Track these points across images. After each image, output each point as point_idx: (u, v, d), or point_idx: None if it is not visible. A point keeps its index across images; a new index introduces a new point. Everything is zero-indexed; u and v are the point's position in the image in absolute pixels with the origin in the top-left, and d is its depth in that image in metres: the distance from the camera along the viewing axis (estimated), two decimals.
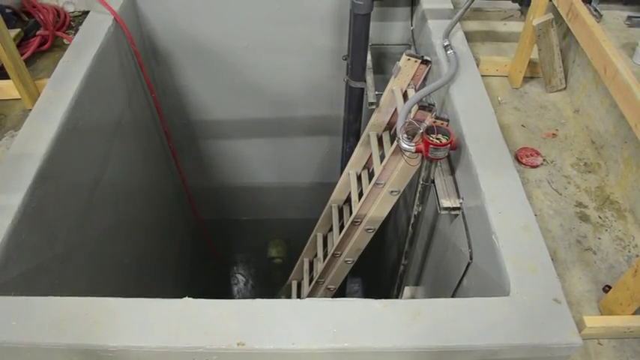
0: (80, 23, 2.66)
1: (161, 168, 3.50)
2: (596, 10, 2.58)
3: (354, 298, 1.50)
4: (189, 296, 1.46)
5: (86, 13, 2.73)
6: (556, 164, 2.10)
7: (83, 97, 2.21)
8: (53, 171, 1.94)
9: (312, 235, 3.27)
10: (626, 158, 1.95)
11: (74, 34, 2.59)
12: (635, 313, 1.56)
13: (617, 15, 2.64)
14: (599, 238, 1.84)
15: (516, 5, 2.67)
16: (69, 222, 2.11)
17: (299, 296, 3.40)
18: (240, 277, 5.11)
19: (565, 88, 2.45)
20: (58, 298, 1.49)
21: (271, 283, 4.32)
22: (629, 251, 1.81)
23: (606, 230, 1.87)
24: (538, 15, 2.22)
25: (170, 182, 3.68)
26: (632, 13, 2.63)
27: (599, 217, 1.91)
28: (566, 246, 1.81)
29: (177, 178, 3.71)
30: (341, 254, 2.72)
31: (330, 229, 3.10)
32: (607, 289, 1.68)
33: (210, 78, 3.33)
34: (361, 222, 2.50)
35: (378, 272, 4.16)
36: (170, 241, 3.75)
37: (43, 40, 2.73)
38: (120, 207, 2.70)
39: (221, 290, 4.99)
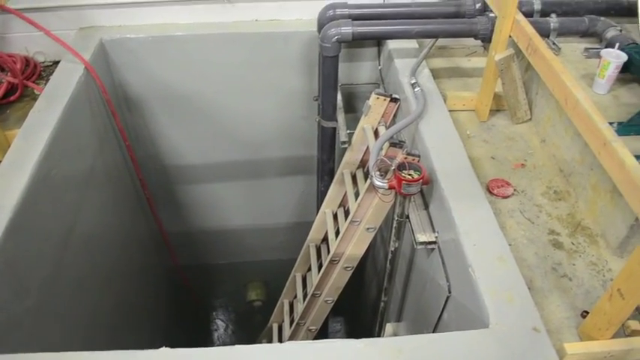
0: (51, 73, 2.67)
1: (136, 215, 3.46)
2: (554, 43, 2.68)
3: (335, 339, 1.49)
4: (166, 345, 1.43)
5: (57, 62, 2.74)
6: (527, 194, 2.14)
7: (54, 147, 2.20)
8: (24, 223, 1.91)
9: (291, 276, 3.25)
10: (594, 184, 2.00)
11: (45, 84, 2.59)
12: (614, 337, 1.57)
13: (574, 47, 2.74)
14: (574, 265, 1.87)
15: (479, 42, 2.75)
16: (40, 274, 2.06)
17: (280, 339, 3.35)
18: (220, 322, 5.02)
19: (530, 119, 2.51)
20: (29, 355, 1.44)
21: (252, 326, 4.25)
22: (604, 275, 1.83)
23: (580, 256, 1.90)
24: (499, 50, 2.29)
25: (145, 228, 3.64)
26: (588, 45, 2.74)
27: (572, 244, 1.94)
28: (542, 274, 1.83)
29: (152, 224, 3.67)
30: (321, 294, 2.70)
31: (309, 269, 3.08)
32: (585, 314, 1.69)
33: (184, 123, 3.34)
34: (339, 260, 2.50)
35: (360, 310, 4.13)
36: (147, 289, 3.67)
37: (10, 86, 2.70)
38: (94, 257, 2.65)
39: (201, 337, 4.88)
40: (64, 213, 2.35)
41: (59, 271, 2.23)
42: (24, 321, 1.91)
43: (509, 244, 1.84)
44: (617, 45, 2.45)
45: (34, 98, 2.54)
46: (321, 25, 2.61)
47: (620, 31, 2.68)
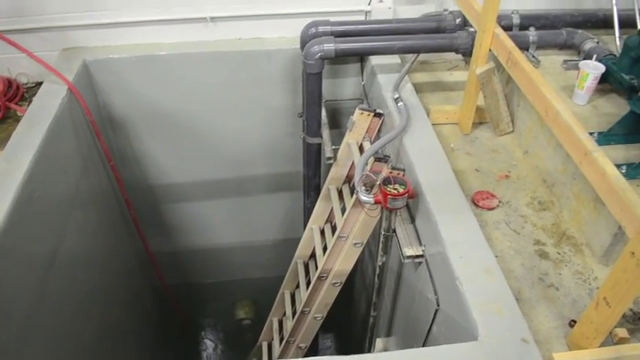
0: (34, 94, 2.65)
1: (121, 235, 3.43)
2: (533, 56, 2.73)
3: (325, 356, 1.48)
4: None
5: (40, 84, 2.73)
6: (512, 205, 2.16)
7: (37, 168, 2.18)
8: (7, 246, 1.88)
9: (279, 293, 3.23)
10: (577, 194, 2.02)
11: (28, 106, 2.57)
12: (602, 345, 1.58)
13: (554, 60, 2.79)
14: (560, 274, 1.88)
15: (460, 56, 2.79)
16: (25, 300, 2.03)
17: (270, 358, 3.31)
18: (209, 342, 4.96)
19: (513, 131, 2.54)
20: None
21: (241, 345, 4.21)
22: (590, 284, 1.85)
23: (566, 265, 1.91)
24: (480, 64, 2.32)
25: (131, 249, 3.60)
26: (567, 58, 2.79)
27: (558, 253, 1.96)
28: (529, 284, 1.84)
29: (138, 244, 3.64)
30: (310, 311, 2.68)
31: (298, 286, 3.07)
32: (573, 323, 1.70)
33: (169, 142, 3.34)
34: (327, 276, 2.49)
35: (349, 326, 4.11)
36: (133, 310, 3.63)
37: None
38: (79, 279, 2.62)
39: (190, 357, 4.82)
40: (48, 235, 2.33)
41: (43, 294, 2.20)
42: (9, 351, 1.87)
43: (496, 256, 1.85)
44: (595, 56, 2.50)
45: (17, 120, 2.52)
46: (303, 43, 2.64)
47: (597, 43, 2.74)
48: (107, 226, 3.17)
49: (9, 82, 2.87)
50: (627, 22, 2.80)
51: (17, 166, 2.12)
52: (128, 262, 3.56)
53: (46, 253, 2.29)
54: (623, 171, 2.01)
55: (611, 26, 2.83)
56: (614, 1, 2.83)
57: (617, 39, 2.78)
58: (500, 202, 2.15)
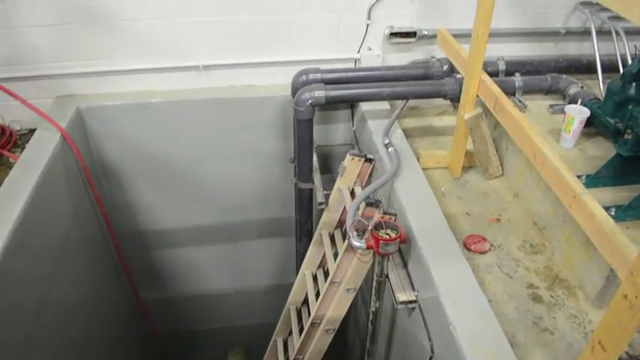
0: (27, 141, 2.67)
1: (111, 282, 3.39)
2: (520, 101, 2.78)
3: None
4: None
5: (33, 130, 2.75)
6: (503, 248, 2.16)
7: (29, 216, 2.17)
8: None
9: (271, 341, 3.17)
10: (568, 236, 2.03)
11: (20, 153, 2.58)
12: None
13: (540, 104, 2.85)
14: (554, 318, 1.87)
15: (448, 101, 2.85)
16: (12, 349, 1.99)
17: None
18: None
19: (502, 175, 2.57)
20: None
21: None
22: (585, 327, 1.83)
23: (560, 309, 1.90)
24: (468, 110, 2.37)
25: (121, 296, 3.55)
26: (553, 102, 2.84)
27: (552, 297, 1.95)
28: (524, 329, 1.83)
29: (129, 291, 3.59)
30: (303, 358, 2.63)
31: (290, 333, 3.02)
32: None
33: (161, 188, 3.34)
34: (320, 323, 2.46)
35: None
36: (124, 359, 3.55)
37: None
38: (67, 328, 2.56)
39: None
40: (37, 283, 2.30)
41: (31, 343, 2.15)
42: None
43: (490, 300, 1.84)
44: (580, 101, 2.56)
45: (10, 167, 2.53)
46: (295, 90, 2.69)
47: (582, 87, 2.80)
48: (97, 273, 3.13)
49: (2, 129, 2.88)
50: (609, 67, 2.89)
51: (8, 213, 2.11)
52: (118, 309, 3.50)
53: (35, 301, 2.26)
54: (612, 213, 2.03)
55: (595, 71, 2.91)
56: (596, 47, 2.92)
57: (601, 83, 2.85)
58: (492, 245, 2.16)
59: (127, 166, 3.18)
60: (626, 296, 1.30)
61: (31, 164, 2.41)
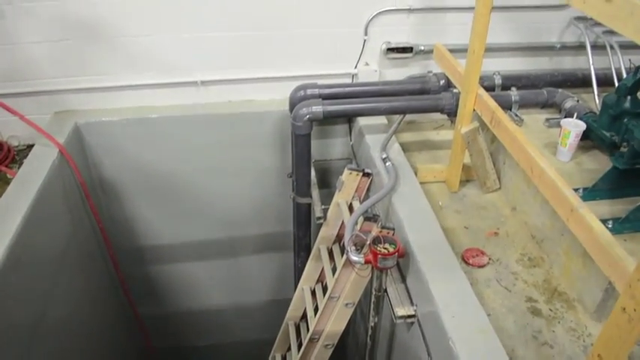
0: (25, 157, 2.67)
1: (109, 298, 3.37)
2: (516, 115, 2.80)
3: None
4: None
5: (31, 146, 2.75)
6: (502, 262, 2.16)
7: (26, 232, 2.17)
8: None
9: (270, 356, 3.15)
10: (566, 250, 2.03)
11: (18, 168, 2.58)
12: None
13: (536, 118, 2.87)
14: (554, 331, 1.86)
15: (445, 115, 2.86)
16: None
17: None
18: None
19: (500, 188, 2.58)
20: None
21: None
22: (584, 341, 1.83)
23: (559, 322, 1.90)
24: (465, 124, 2.38)
25: (120, 312, 3.53)
26: (549, 116, 2.87)
27: (550, 310, 1.95)
28: (523, 343, 1.82)
29: (127, 307, 3.57)
30: None
31: (289, 349, 3.00)
32: None
33: (159, 203, 3.33)
34: (319, 338, 2.44)
35: None
36: None
37: None
38: (64, 344, 2.55)
39: None
40: (35, 299, 2.29)
41: (29, 359, 2.13)
42: None
43: (489, 314, 1.84)
44: (576, 114, 2.58)
45: (7, 182, 2.52)
46: (292, 105, 2.70)
47: (577, 101, 2.82)
48: (95, 288, 3.11)
49: (0, 145, 2.89)
50: (605, 81, 2.92)
51: (5, 229, 2.10)
52: (115, 325, 3.47)
53: (32, 316, 2.25)
54: (610, 226, 2.03)
55: (590, 85, 2.94)
56: (591, 61, 2.95)
57: (596, 97, 2.88)
58: (490, 259, 2.16)
59: (125, 182, 3.18)
60: (624, 309, 1.30)
61: (29, 180, 2.41)
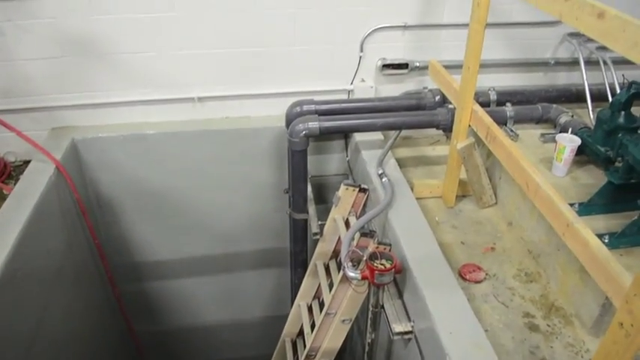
0: (22, 172, 2.67)
1: (104, 315, 3.34)
2: (512, 130, 2.82)
3: None
4: None
5: (28, 162, 2.75)
6: (498, 277, 2.16)
7: (22, 248, 2.16)
8: None
9: None
10: (563, 265, 2.03)
11: (14, 184, 2.58)
12: None
13: (531, 133, 2.88)
14: (552, 347, 1.86)
15: (441, 131, 2.87)
16: None
17: None
18: None
19: (496, 203, 2.58)
20: None
21: None
22: (582, 356, 1.82)
23: (557, 338, 1.89)
24: (461, 139, 2.39)
25: (115, 328, 3.50)
26: (544, 131, 2.88)
27: (548, 326, 1.94)
28: (521, 359, 1.81)
29: (122, 323, 3.54)
30: None
31: None
32: None
33: (155, 219, 3.33)
34: (316, 354, 2.43)
35: None
36: None
37: None
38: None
39: None
40: (30, 315, 2.27)
41: None
42: None
43: (486, 330, 1.83)
44: (571, 130, 2.59)
45: (4, 198, 2.52)
46: (289, 121, 2.71)
47: (572, 116, 2.84)
48: (90, 305, 3.09)
49: None
50: (599, 96, 2.94)
51: (1, 245, 2.10)
52: (111, 341, 3.44)
53: (27, 332, 2.23)
54: (606, 241, 2.04)
55: (584, 100, 2.96)
56: (585, 77, 2.97)
57: (591, 112, 2.90)
58: (487, 274, 2.16)
59: (122, 198, 3.18)
60: (621, 324, 1.30)
61: (25, 196, 2.41)
